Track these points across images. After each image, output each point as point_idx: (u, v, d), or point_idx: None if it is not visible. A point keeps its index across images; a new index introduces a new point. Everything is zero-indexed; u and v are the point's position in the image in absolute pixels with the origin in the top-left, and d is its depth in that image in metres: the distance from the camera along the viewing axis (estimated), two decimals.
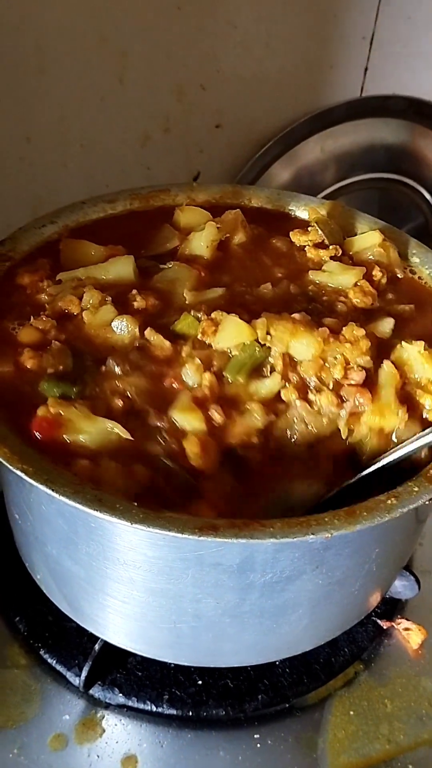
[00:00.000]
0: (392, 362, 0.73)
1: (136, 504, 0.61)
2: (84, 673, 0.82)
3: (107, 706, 0.84)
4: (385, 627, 0.92)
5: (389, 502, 0.63)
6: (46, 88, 1.14)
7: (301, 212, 1.01)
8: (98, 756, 0.79)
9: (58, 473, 0.63)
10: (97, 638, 0.84)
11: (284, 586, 0.69)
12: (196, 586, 0.68)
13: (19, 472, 0.63)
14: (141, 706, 0.83)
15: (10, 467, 0.63)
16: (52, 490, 0.61)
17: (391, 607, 0.95)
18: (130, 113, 1.21)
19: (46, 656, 0.87)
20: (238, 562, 0.66)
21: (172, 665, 0.86)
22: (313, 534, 0.59)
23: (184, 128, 1.27)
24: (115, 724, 0.82)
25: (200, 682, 0.85)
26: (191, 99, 1.24)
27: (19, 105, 1.14)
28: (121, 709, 0.84)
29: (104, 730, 0.82)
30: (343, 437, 0.71)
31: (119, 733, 0.82)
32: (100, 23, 1.12)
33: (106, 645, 0.83)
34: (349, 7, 1.24)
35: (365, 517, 0.61)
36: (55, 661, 0.86)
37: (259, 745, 0.81)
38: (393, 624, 0.93)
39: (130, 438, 0.67)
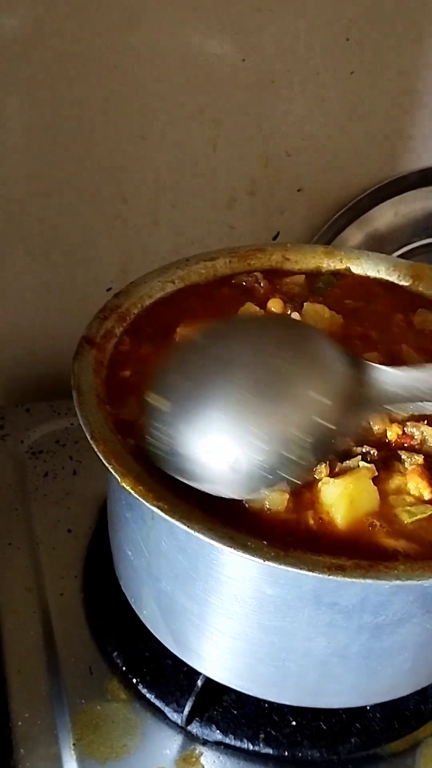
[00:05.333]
0: None
1: (266, 543, 0.66)
2: (187, 709, 0.85)
3: (205, 743, 0.86)
4: None
5: None
6: (146, 153, 1.23)
7: (389, 273, 1.07)
8: None
9: (190, 510, 0.68)
10: (195, 675, 0.87)
11: (394, 629, 0.72)
12: (311, 624, 0.72)
13: (155, 509, 0.67)
14: (238, 744, 0.86)
15: (147, 503, 0.68)
16: (187, 527, 0.66)
17: None
18: (219, 177, 1.30)
19: (144, 691, 0.90)
20: (354, 603, 0.69)
21: (266, 705, 0.88)
22: None
23: (268, 192, 1.35)
24: (214, 761, 0.85)
25: (294, 723, 0.88)
26: (276, 165, 1.32)
27: (120, 168, 1.23)
28: (218, 746, 0.86)
29: (203, 766, 0.84)
30: None
31: None
32: (198, 95, 1.21)
33: (207, 681, 0.86)
34: (430, 84, 1.32)
35: None
36: (153, 696, 0.89)
37: None
38: None
39: None
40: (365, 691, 0.81)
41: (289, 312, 0.94)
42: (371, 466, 0.73)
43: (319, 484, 0.73)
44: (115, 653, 0.94)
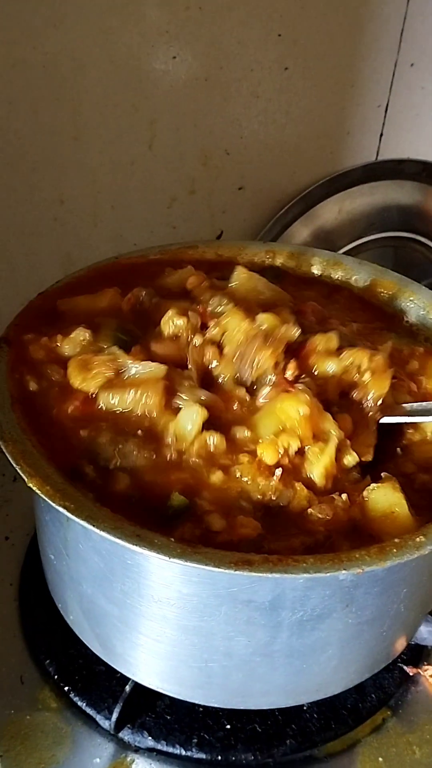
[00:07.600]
0: None
1: (173, 540, 0.64)
2: (115, 716, 0.83)
3: (137, 750, 0.84)
4: (411, 673, 0.93)
5: (418, 539, 0.65)
6: (81, 153, 1.21)
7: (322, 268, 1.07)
8: None
9: (98, 510, 0.66)
10: (127, 682, 0.85)
11: (315, 625, 0.71)
12: (229, 623, 0.70)
13: (61, 509, 0.65)
14: (170, 749, 0.84)
15: (53, 504, 0.66)
16: (93, 526, 0.64)
17: (417, 654, 0.95)
18: (158, 177, 1.28)
19: (76, 699, 0.88)
20: (269, 599, 0.68)
21: (201, 709, 0.86)
22: (345, 569, 0.61)
23: (209, 190, 1.34)
24: None
25: (228, 726, 0.86)
26: (216, 163, 1.31)
27: (55, 169, 1.21)
28: (150, 752, 0.84)
29: None
30: None
31: None
32: (131, 94, 1.19)
33: (137, 687, 0.84)
34: (365, 78, 1.32)
35: (395, 554, 0.63)
36: (85, 704, 0.87)
37: None
38: (419, 671, 0.93)
39: None
40: (294, 691, 0.79)
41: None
42: None
43: None
44: (48, 661, 0.91)
